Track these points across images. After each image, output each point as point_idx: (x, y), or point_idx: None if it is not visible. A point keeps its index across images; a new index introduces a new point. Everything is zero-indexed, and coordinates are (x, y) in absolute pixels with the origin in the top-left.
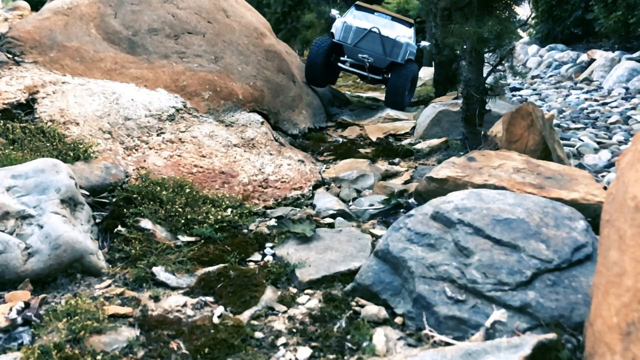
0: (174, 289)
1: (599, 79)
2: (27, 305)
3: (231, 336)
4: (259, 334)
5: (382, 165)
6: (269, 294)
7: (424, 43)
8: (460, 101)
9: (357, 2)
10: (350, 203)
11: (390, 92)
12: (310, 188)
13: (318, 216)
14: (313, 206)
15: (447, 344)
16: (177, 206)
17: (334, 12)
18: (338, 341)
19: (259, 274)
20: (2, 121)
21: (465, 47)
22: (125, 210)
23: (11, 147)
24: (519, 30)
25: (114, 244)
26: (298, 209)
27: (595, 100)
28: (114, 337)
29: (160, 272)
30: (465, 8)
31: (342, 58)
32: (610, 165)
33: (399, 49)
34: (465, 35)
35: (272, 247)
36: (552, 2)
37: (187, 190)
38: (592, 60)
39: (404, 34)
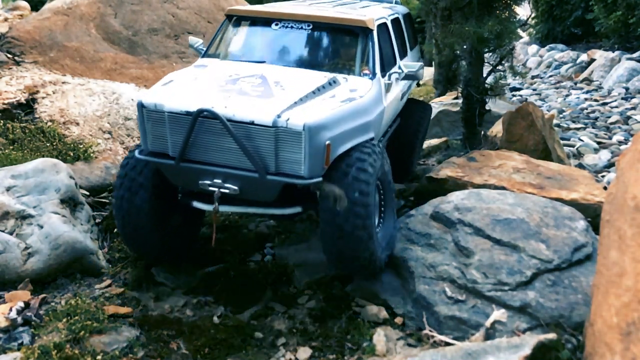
0: (174, 289)
1: (599, 79)
2: (27, 305)
3: (231, 336)
4: (259, 334)
5: None
6: (269, 294)
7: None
8: (460, 101)
9: (231, 9)
10: None
11: (327, 236)
12: None
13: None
14: None
15: (447, 344)
16: None
17: (194, 40)
18: (338, 341)
19: (259, 274)
20: (2, 121)
21: (465, 47)
22: None
23: (11, 147)
24: (519, 30)
25: (114, 244)
26: None
27: (595, 100)
28: (114, 337)
29: (160, 272)
30: (465, 8)
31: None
32: (610, 165)
33: (297, 146)
34: (465, 35)
35: (272, 247)
36: (552, 2)
37: None
38: (592, 60)
39: (333, 87)
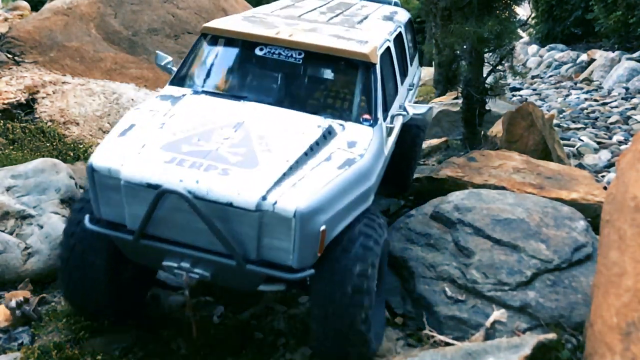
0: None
1: (599, 79)
2: (26, 300)
3: (231, 336)
4: (259, 334)
5: None
6: (269, 294)
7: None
8: (460, 101)
9: (207, 26)
10: None
11: (319, 333)
12: None
13: None
14: None
15: (447, 344)
16: None
17: (163, 57)
18: None
19: None
20: (2, 121)
21: (465, 47)
22: None
23: (11, 147)
24: (519, 30)
25: None
26: None
27: (595, 100)
28: (114, 337)
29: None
30: (465, 8)
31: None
32: (610, 165)
33: (286, 233)
34: (465, 35)
35: None
36: (552, 2)
37: None
38: (592, 60)
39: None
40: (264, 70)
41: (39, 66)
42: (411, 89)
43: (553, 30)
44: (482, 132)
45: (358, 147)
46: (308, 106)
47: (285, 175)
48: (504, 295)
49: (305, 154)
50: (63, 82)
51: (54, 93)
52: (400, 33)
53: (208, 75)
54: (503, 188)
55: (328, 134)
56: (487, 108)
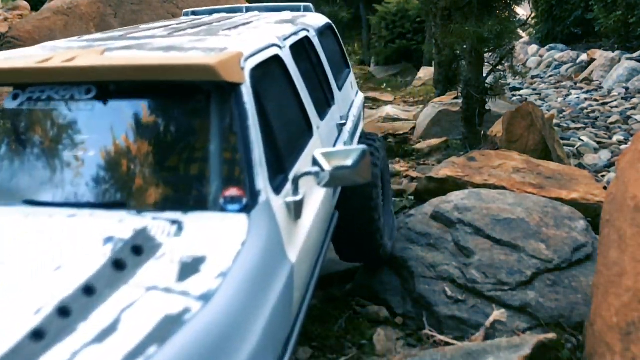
0: None
1: (599, 79)
2: None
3: None
4: None
5: None
6: None
7: None
8: (460, 101)
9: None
10: None
11: None
12: None
13: None
14: None
15: (447, 344)
16: None
17: None
18: (338, 341)
19: None
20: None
21: (465, 47)
22: None
23: None
24: (519, 30)
25: None
26: None
27: (595, 100)
28: None
29: None
30: (465, 8)
31: None
32: (610, 165)
33: None
34: (465, 35)
35: None
36: (552, 2)
37: None
38: (592, 60)
39: None
40: (22, 138)
41: None
42: (344, 124)
43: (553, 30)
44: (482, 132)
45: (206, 272)
46: (100, 193)
47: None
48: (504, 295)
49: (38, 334)
50: None
51: None
52: (307, 39)
53: None
54: (503, 188)
55: (132, 255)
56: (487, 108)
